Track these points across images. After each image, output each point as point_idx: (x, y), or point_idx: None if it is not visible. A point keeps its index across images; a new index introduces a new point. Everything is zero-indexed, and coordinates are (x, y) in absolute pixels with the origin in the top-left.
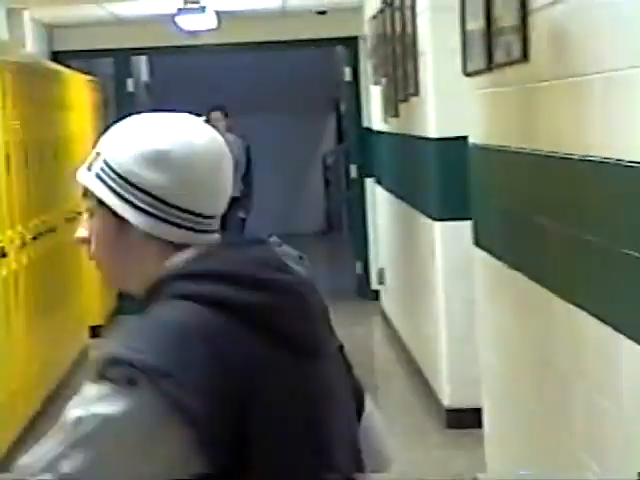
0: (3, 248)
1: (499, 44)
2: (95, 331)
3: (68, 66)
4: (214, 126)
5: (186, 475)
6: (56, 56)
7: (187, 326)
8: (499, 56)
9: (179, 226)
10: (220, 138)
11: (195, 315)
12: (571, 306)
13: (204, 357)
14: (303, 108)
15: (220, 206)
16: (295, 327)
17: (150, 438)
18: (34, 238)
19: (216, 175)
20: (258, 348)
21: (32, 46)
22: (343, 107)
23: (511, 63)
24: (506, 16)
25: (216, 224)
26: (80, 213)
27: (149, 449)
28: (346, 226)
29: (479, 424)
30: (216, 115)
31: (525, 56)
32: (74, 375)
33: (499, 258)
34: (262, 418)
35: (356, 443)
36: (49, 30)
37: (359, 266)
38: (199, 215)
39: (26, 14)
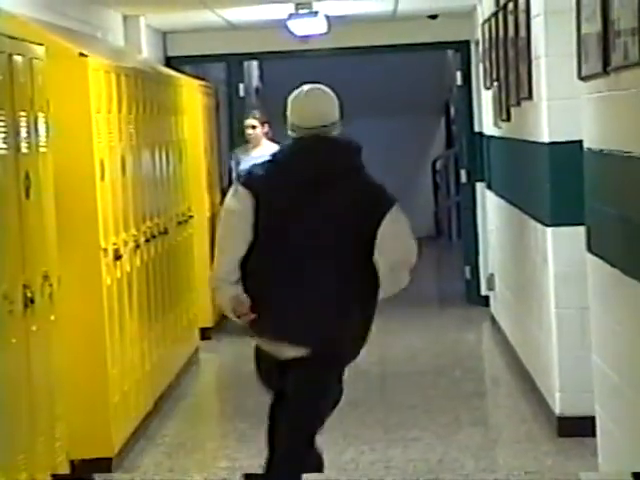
0: (117, 250)
1: (616, 47)
2: (205, 333)
3: (181, 71)
4: (248, 133)
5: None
6: (170, 61)
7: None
8: (616, 59)
9: (292, 130)
10: (315, 90)
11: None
12: None
13: (260, 176)
14: (413, 112)
15: (306, 123)
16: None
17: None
18: (147, 241)
19: (300, 105)
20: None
21: (147, 52)
22: (453, 111)
23: (629, 66)
24: (624, 19)
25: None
26: (192, 216)
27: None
28: (455, 231)
29: (592, 432)
30: (249, 122)
31: None
32: (185, 375)
33: (613, 264)
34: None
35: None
36: (163, 36)
37: (468, 271)
38: (295, 125)
39: (142, 21)
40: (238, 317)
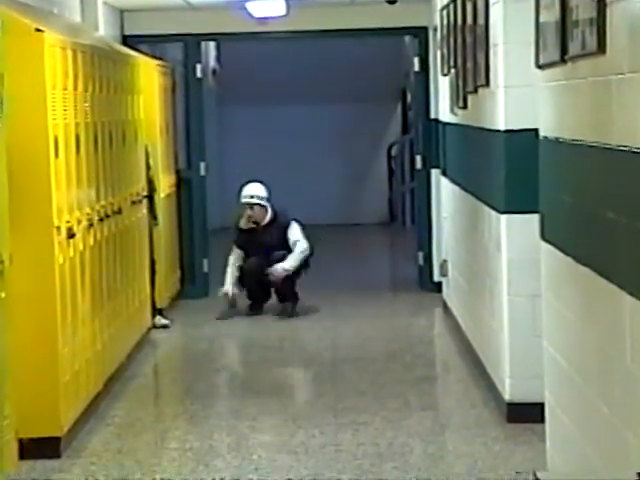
0: (71, 229)
1: (574, 36)
2: (157, 314)
3: (138, 50)
4: None
5: None
6: (126, 40)
7: None
8: (574, 48)
9: None
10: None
11: None
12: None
13: None
14: (370, 97)
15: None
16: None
17: None
18: (101, 220)
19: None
20: None
21: (104, 30)
22: (410, 97)
23: (586, 55)
24: (582, 8)
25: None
26: (146, 196)
27: None
28: (409, 217)
29: (540, 419)
30: None
31: (601, 48)
32: (136, 356)
33: (566, 252)
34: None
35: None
36: (120, 14)
37: (421, 257)
38: None
39: None
40: None
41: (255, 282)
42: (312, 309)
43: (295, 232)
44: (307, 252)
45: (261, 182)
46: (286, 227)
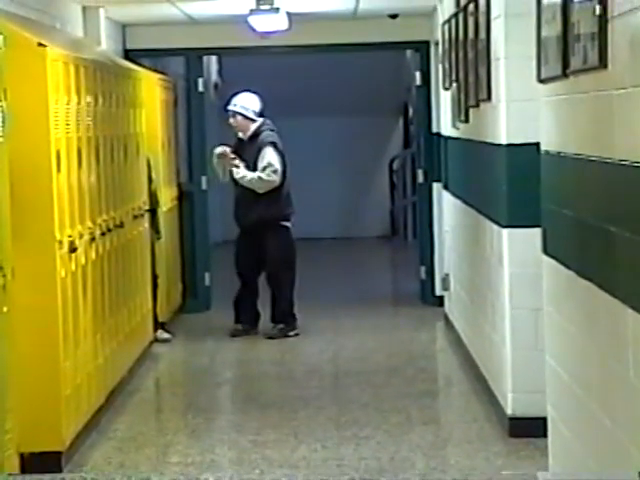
0: (73, 243)
1: (575, 51)
2: (159, 328)
3: (140, 64)
4: None
5: None
6: (128, 54)
7: None
8: (575, 63)
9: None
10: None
11: None
12: None
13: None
14: (372, 111)
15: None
16: None
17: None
18: (102, 234)
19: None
20: None
21: (106, 44)
22: (411, 111)
23: (588, 70)
24: (583, 23)
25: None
26: (148, 211)
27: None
28: (411, 231)
29: (543, 433)
30: None
31: (603, 63)
32: (138, 369)
33: (568, 266)
34: None
35: None
36: (122, 28)
37: (423, 271)
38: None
39: (101, 12)
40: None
41: (246, 282)
42: (313, 323)
43: (265, 158)
44: (257, 184)
45: (259, 95)
46: (260, 149)
